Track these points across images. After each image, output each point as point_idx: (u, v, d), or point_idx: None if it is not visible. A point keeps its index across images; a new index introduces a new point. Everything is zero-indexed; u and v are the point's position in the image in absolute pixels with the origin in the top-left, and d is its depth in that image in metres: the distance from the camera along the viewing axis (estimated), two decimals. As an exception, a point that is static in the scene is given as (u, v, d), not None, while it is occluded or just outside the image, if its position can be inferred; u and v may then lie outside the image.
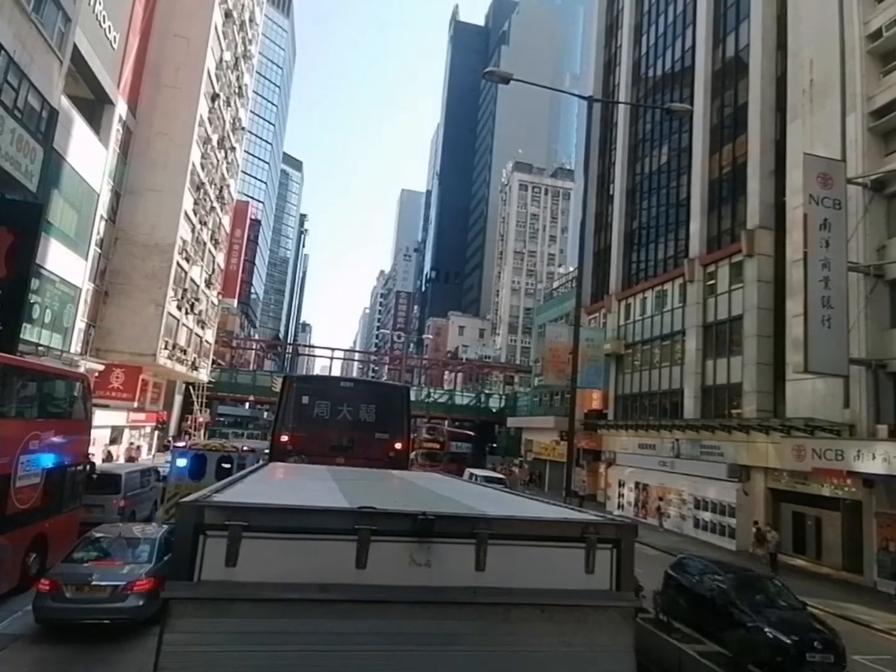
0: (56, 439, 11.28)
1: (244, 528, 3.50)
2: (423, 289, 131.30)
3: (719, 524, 24.50)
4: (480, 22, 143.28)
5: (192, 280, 36.48)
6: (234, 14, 38.85)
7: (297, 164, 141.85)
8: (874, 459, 16.76)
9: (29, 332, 20.17)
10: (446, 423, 51.43)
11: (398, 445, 13.33)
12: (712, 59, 29.66)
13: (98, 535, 9.92)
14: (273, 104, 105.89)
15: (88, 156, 24.16)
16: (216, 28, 34.94)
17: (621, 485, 32.75)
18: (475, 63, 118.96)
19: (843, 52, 20.45)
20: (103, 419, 26.69)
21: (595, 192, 39.80)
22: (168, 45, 31.96)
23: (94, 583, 8.65)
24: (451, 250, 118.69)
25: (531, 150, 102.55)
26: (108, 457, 27.53)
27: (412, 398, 17.00)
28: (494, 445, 56.71)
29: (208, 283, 41.52)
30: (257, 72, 67.08)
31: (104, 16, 23.75)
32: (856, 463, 17.27)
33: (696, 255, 28.45)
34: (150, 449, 37.49)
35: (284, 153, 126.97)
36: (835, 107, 20.51)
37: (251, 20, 46.06)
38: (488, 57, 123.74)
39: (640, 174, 35.72)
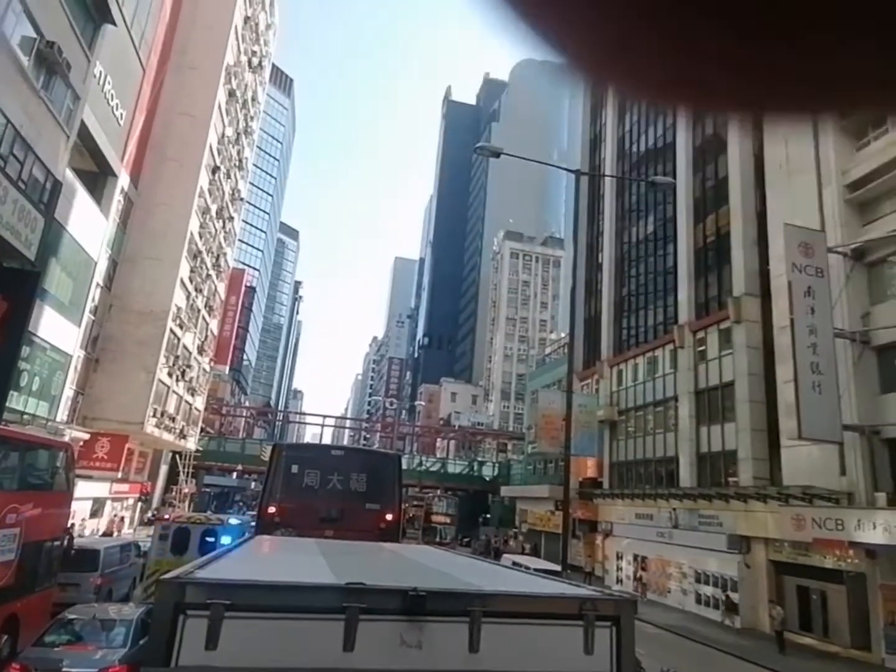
0: (35, 512, 10.89)
1: (227, 608, 3.34)
2: (416, 355, 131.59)
3: (721, 599, 23.57)
4: (472, 101, 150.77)
5: (184, 347, 36.42)
6: (238, 93, 40.72)
7: (293, 233, 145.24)
8: (875, 529, 16.43)
9: (15, 401, 19.90)
10: (438, 491, 50.25)
11: (389, 517, 12.98)
12: (692, 135, 31.12)
13: (71, 616, 9.40)
14: (272, 176, 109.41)
15: (88, 225, 24.62)
16: (220, 106, 36.51)
17: (619, 557, 31.72)
18: (467, 138, 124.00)
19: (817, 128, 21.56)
20: (85, 490, 25.89)
21: (584, 260, 40.63)
22: (173, 121, 33.23)
23: (64, 669, 8.12)
24: (443, 317, 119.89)
25: (522, 220, 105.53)
26: (73, 530, 25.97)
27: (404, 466, 16.69)
28: (488, 516, 55.26)
29: (201, 350, 41.46)
30: (258, 146, 69.58)
31: (112, 94, 24.82)
32: (856, 533, 16.90)
33: (685, 321, 28.84)
34: (131, 521, 36.23)
35: (281, 222, 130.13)
36: (811, 180, 21.39)
37: (253, 98, 48.24)
38: (479, 132, 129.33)
39: (628, 243, 36.67)
